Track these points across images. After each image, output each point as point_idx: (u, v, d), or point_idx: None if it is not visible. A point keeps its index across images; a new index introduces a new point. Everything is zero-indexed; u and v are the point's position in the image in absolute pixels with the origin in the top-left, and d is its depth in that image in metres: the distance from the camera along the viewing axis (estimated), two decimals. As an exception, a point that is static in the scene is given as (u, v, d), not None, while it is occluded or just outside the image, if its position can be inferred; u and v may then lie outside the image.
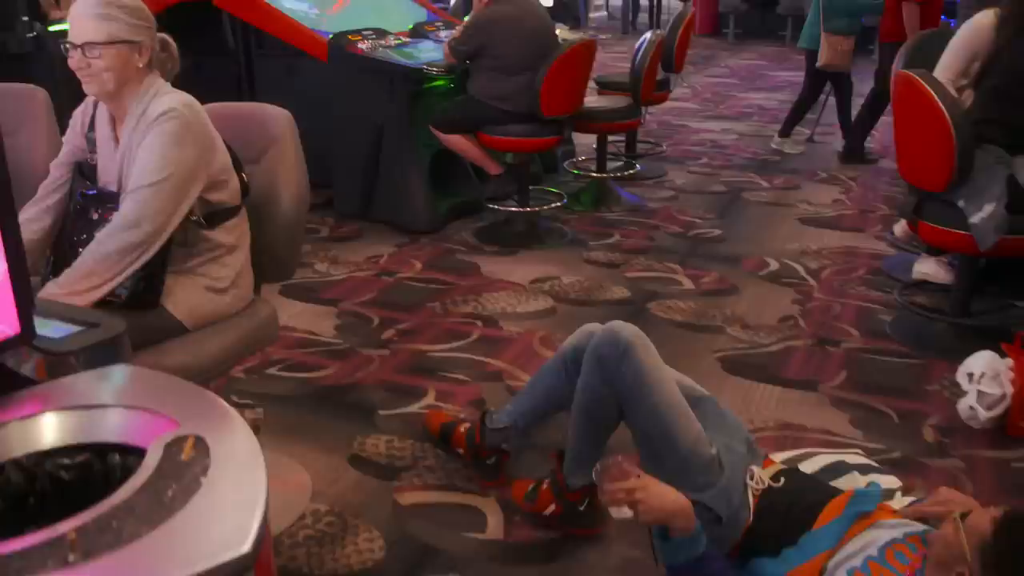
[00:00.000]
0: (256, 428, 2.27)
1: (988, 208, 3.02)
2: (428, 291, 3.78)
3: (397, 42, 4.68)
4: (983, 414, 2.75)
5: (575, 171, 5.29)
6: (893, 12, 5.31)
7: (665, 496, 1.74)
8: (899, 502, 2.00)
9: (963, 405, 2.80)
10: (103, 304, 1.94)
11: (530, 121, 4.20)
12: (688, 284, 3.87)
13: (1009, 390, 2.73)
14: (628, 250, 4.28)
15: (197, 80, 3.42)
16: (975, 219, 3.04)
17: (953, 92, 3.19)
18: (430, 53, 4.58)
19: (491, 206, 4.55)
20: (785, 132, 6.34)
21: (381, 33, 4.69)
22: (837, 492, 1.94)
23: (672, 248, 4.32)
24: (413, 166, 4.48)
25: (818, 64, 5.83)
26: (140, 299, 2.01)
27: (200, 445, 1.11)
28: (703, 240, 4.45)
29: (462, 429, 2.57)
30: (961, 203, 3.08)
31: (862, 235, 4.54)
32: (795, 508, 1.89)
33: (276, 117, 2.39)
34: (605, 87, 5.49)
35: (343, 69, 4.45)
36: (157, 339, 2.04)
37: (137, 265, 1.96)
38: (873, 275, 4.00)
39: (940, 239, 3.24)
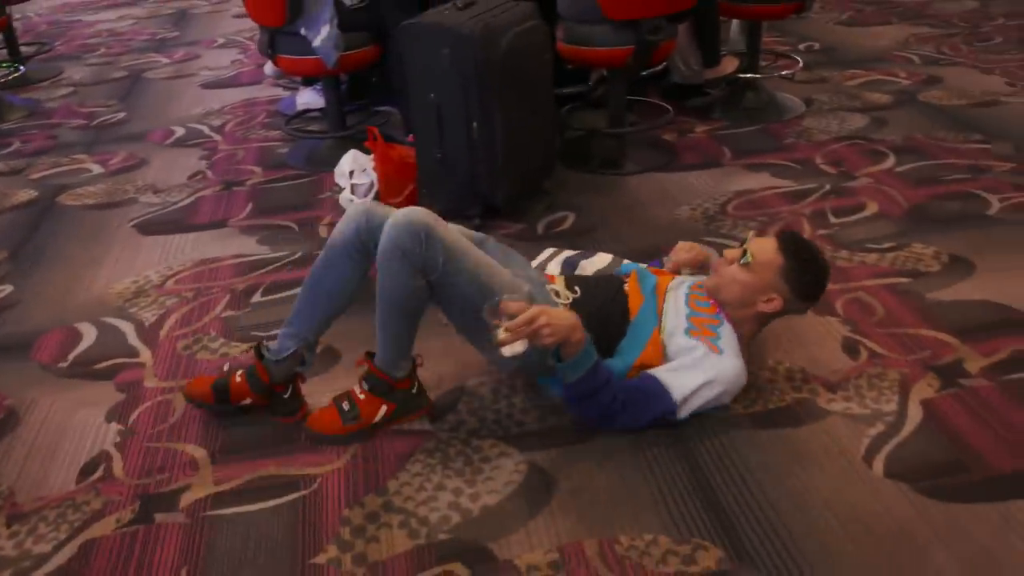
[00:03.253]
0: None
1: (324, 31, 3.48)
2: None
3: None
4: (360, 202, 3.27)
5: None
6: None
7: (562, 314, 1.88)
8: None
9: (344, 199, 3.30)
10: None
11: None
12: (98, 169, 3.91)
13: (375, 177, 3.28)
14: (31, 154, 4.17)
15: None
16: (316, 43, 3.48)
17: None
18: None
19: None
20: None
21: None
22: (617, 279, 2.21)
23: (77, 141, 4.29)
24: None
25: None
26: None
27: None
28: (108, 126, 4.47)
29: (238, 378, 2.20)
30: (303, 31, 3.50)
31: (259, 87, 4.89)
32: (603, 308, 2.09)
33: None
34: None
35: None
36: None
37: None
38: (271, 118, 4.38)
39: (298, 67, 3.67)
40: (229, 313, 2.68)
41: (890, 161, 3.51)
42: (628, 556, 1.74)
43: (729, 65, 4.16)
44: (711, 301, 2.13)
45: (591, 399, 1.97)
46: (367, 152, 3.33)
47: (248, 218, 3.34)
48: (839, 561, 1.69)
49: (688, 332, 2.05)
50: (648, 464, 1.98)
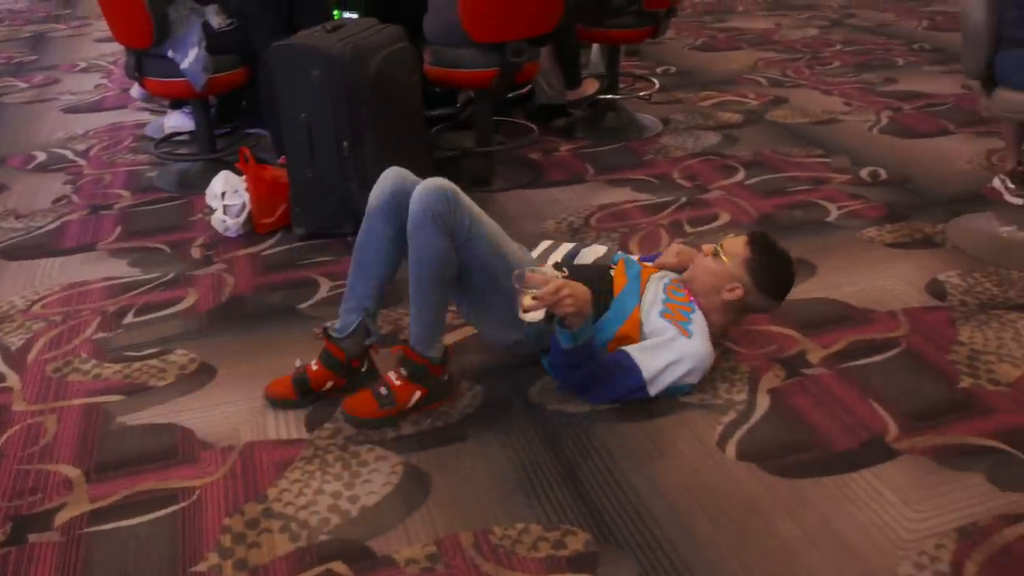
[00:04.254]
0: None
1: (192, 53, 3.49)
2: None
3: None
4: (232, 223, 3.29)
5: None
6: None
7: (581, 288, 2.04)
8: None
9: (216, 220, 3.30)
10: None
11: None
12: (-47, 196, 3.79)
13: (247, 198, 3.30)
14: None
15: None
16: (184, 65, 3.48)
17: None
18: None
19: None
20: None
21: None
22: (604, 266, 2.38)
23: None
24: None
25: None
26: None
27: None
28: (-37, 152, 4.32)
29: (315, 366, 2.28)
30: (170, 53, 3.49)
31: (125, 111, 4.81)
32: (591, 285, 2.16)
33: None
34: None
35: None
36: None
37: None
38: (138, 142, 4.33)
39: (166, 90, 3.67)
40: (101, 335, 2.66)
41: (741, 175, 3.75)
42: (502, 545, 1.83)
43: (590, 87, 4.36)
44: (686, 292, 2.34)
45: (577, 368, 2.17)
46: (239, 173, 3.35)
47: (117, 241, 3.30)
48: (697, 537, 1.83)
49: (662, 315, 2.24)
50: (518, 458, 2.08)
